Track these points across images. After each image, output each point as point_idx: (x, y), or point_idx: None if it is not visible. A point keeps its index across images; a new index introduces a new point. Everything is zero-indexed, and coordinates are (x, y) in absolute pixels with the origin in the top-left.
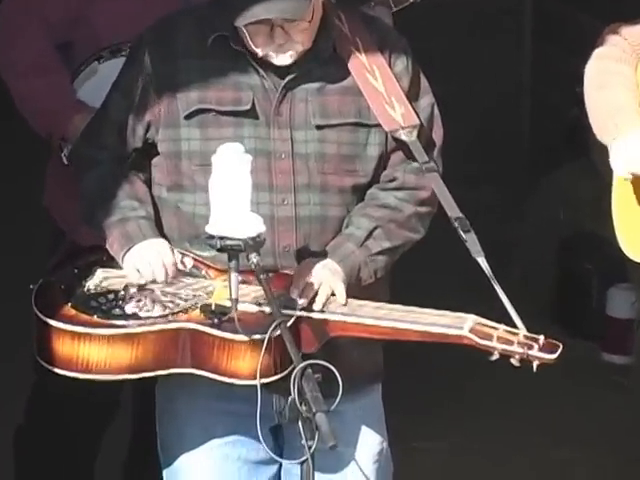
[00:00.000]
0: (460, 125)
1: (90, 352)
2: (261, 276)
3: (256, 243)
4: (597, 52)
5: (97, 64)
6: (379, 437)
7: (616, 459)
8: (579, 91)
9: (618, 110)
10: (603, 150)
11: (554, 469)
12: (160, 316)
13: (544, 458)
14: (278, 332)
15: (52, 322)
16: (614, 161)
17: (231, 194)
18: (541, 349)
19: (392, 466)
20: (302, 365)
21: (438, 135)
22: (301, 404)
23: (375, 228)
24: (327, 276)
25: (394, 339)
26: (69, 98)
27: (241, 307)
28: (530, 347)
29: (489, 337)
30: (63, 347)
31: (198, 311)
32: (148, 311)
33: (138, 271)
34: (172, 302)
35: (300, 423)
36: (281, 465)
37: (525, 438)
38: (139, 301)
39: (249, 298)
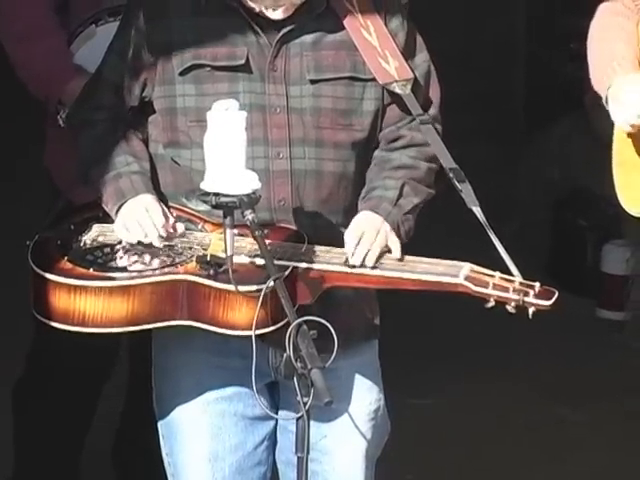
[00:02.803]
0: (455, 82)
1: (86, 305)
2: (257, 232)
3: (251, 200)
4: (600, 7)
5: (94, 27)
6: (375, 395)
7: (612, 416)
8: (574, 47)
9: (614, 60)
10: (598, 107)
11: (551, 425)
12: (156, 268)
13: (540, 415)
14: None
15: (48, 275)
16: (613, 112)
17: (226, 151)
18: (537, 296)
19: (389, 425)
20: (297, 321)
21: (435, 92)
22: (296, 360)
23: (403, 186)
24: (384, 225)
25: (390, 288)
26: (65, 62)
27: (237, 259)
28: (526, 294)
29: (485, 284)
30: (59, 301)
31: (194, 263)
32: (144, 264)
33: (127, 230)
34: (168, 255)
35: (295, 380)
36: (277, 421)
37: (522, 395)
38: (135, 254)
39: (245, 250)
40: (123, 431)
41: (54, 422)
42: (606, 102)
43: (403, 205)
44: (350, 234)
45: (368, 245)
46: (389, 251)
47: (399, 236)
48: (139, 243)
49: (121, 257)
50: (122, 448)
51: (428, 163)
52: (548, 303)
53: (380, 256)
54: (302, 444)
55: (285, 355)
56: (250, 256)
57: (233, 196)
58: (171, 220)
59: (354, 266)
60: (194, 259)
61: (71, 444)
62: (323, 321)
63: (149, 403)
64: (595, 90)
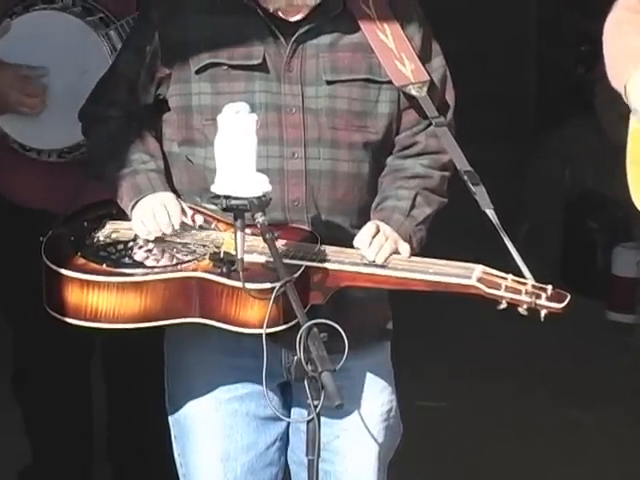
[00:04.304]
0: (466, 83)
1: (99, 300)
2: (267, 235)
3: (262, 202)
4: (616, 3)
5: (9, 20)
6: (388, 396)
7: (622, 418)
8: (585, 49)
9: (632, 55)
10: (608, 108)
11: (560, 429)
12: (169, 265)
13: (550, 417)
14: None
15: (61, 270)
16: (634, 105)
17: (236, 153)
18: (549, 298)
19: (402, 427)
20: (308, 324)
21: (450, 96)
22: (307, 363)
23: (415, 197)
24: (393, 233)
25: (402, 289)
26: None
27: (249, 258)
28: (538, 296)
29: (497, 286)
30: (72, 296)
31: (207, 260)
32: (157, 260)
33: (143, 224)
34: (181, 252)
35: (306, 382)
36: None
37: (531, 397)
38: (149, 251)
39: (258, 249)
40: (113, 424)
41: (56, 406)
42: (625, 97)
43: (416, 216)
44: (361, 236)
45: (379, 245)
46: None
47: (411, 247)
48: (155, 238)
49: (134, 253)
50: (115, 442)
51: (442, 172)
52: (560, 306)
53: (390, 256)
54: (313, 447)
55: (295, 358)
56: (262, 255)
57: (244, 199)
58: (189, 213)
59: (370, 263)
60: (207, 257)
61: (78, 425)
62: (333, 324)
63: (132, 399)
64: (612, 86)
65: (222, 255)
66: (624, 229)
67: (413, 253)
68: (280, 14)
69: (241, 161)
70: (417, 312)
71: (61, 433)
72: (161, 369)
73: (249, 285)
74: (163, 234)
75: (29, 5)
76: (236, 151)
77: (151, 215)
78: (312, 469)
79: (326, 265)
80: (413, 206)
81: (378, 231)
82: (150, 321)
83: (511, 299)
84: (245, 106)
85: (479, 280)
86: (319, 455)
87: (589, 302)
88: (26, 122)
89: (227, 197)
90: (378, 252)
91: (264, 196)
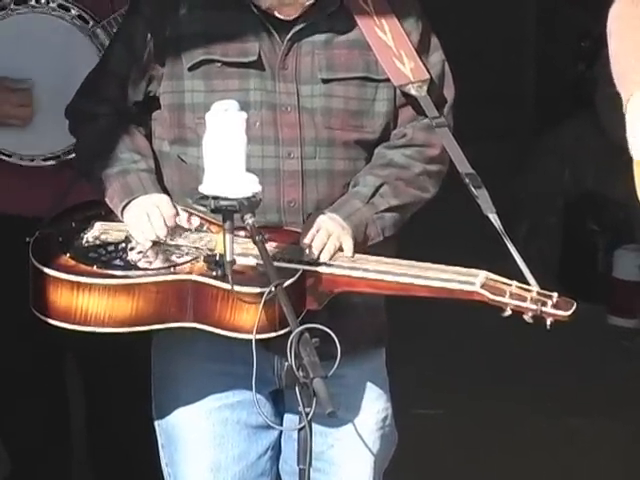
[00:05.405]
0: (463, 82)
1: (89, 303)
2: (257, 237)
3: (251, 203)
4: None
5: None
6: (383, 403)
7: (622, 428)
8: (585, 46)
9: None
10: (610, 107)
11: (559, 436)
12: (162, 267)
13: (548, 425)
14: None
15: (51, 272)
16: (631, 134)
17: (225, 153)
18: (555, 306)
19: (396, 436)
20: (299, 330)
21: (449, 92)
22: (298, 369)
23: (381, 185)
24: (335, 229)
25: (402, 295)
26: None
27: (245, 261)
28: (544, 304)
29: (502, 293)
30: (61, 298)
31: (201, 263)
32: (149, 262)
33: (139, 228)
34: (174, 254)
35: (297, 389)
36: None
37: (529, 404)
38: (140, 252)
39: (254, 252)
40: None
41: (30, 408)
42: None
43: (376, 204)
44: (304, 235)
45: (321, 243)
46: (340, 249)
47: (367, 235)
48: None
49: (126, 255)
50: (96, 445)
51: (426, 165)
52: (567, 314)
53: (333, 255)
54: (304, 456)
55: (286, 364)
56: (257, 257)
57: (233, 200)
58: (184, 216)
59: (329, 265)
60: (201, 259)
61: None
62: (326, 329)
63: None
64: (617, 88)
65: (217, 258)
66: (626, 231)
67: (367, 240)
68: (275, 13)
69: (230, 160)
70: (412, 314)
71: (37, 434)
72: (139, 369)
73: (239, 288)
74: (157, 237)
75: (2, 7)
76: (225, 150)
77: (145, 218)
78: (304, 479)
79: (323, 269)
80: (375, 194)
81: (319, 229)
82: (142, 325)
83: (516, 306)
84: (234, 104)
85: (483, 286)
86: (310, 464)
87: (589, 306)
88: (10, 128)
89: (215, 198)
90: (321, 250)
91: (254, 196)
